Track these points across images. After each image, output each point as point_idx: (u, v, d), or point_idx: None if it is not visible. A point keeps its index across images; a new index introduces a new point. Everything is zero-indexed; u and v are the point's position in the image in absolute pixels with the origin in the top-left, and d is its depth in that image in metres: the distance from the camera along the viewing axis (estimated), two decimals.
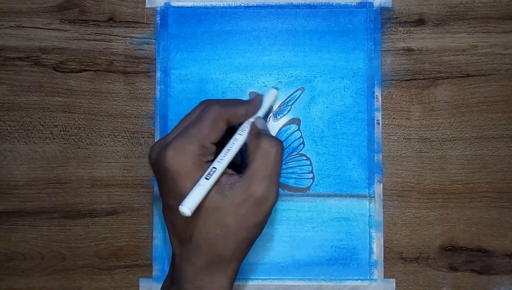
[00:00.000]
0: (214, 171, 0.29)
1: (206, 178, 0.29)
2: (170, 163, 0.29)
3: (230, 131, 0.32)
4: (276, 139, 0.31)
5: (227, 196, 0.29)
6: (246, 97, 0.38)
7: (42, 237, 0.38)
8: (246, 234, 0.30)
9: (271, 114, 0.39)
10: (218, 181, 0.29)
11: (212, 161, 0.30)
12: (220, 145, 0.31)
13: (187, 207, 0.27)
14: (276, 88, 0.36)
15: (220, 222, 0.29)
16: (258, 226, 0.30)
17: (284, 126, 0.38)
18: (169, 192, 0.30)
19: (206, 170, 0.29)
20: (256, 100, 0.33)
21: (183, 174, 0.29)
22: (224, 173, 0.30)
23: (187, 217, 0.28)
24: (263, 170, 0.30)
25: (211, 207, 0.29)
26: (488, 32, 0.38)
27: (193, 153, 0.29)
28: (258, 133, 0.31)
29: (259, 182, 0.29)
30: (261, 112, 0.33)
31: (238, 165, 0.35)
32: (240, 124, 0.32)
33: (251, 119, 0.32)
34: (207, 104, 0.31)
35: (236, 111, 0.31)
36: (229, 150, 0.31)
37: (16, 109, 0.39)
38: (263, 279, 0.38)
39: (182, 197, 0.28)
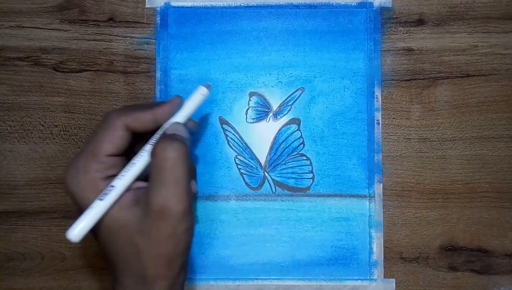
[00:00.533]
0: (110, 190, 0.27)
1: (100, 199, 0.26)
2: (67, 184, 0.27)
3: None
4: (172, 142, 0.27)
5: (131, 213, 0.27)
6: (245, 97, 0.38)
7: (42, 237, 0.38)
8: (159, 251, 0.27)
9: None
10: (122, 198, 0.27)
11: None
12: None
13: (72, 233, 0.25)
14: (207, 85, 0.32)
15: (129, 241, 0.27)
16: (171, 241, 0.27)
17: (284, 126, 0.38)
18: (78, 213, 0.28)
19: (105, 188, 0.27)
20: (171, 103, 0.30)
21: (79, 195, 0.27)
22: (131, 189, 0.28)
23: (100, 238, 0.27)
24: (158, 180, 0.27)
25: (116, 227, 0.27)
26: (488, 32, 0.38)
27: (87, 170, 0.27)
28: (160, 140, 0.28)
29: (154, 193, 0.27)
30: (181, 117, 0.30)
31: None
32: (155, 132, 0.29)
33: (166, 126, 0.29)
34: (106, 113, 0.29)
35: (139, 116, 0.28)
36: (134, 164, 0.28)
37: (16, 109, 0.39)
38: (263, 279, 0.38)
39: None
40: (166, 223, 0.27)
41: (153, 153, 0.27)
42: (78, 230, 0.26)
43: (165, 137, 0.28)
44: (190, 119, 0.32)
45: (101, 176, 0.27)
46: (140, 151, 0.28)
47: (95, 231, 0.28)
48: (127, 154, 0.30)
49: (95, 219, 0.26)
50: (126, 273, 0.28)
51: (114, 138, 0.28)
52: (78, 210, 0.28)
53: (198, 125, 0.35)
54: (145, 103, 0.31)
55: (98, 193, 0.27)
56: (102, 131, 0.28)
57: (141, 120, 0.29)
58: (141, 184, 0.29)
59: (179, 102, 0.30)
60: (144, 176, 0.29)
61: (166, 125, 0.29)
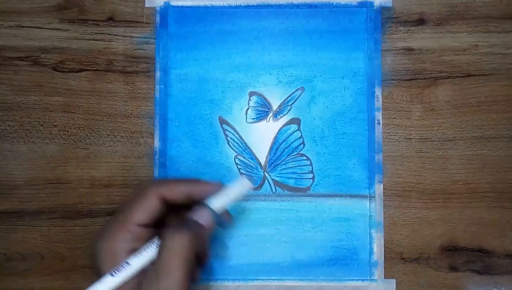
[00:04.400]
0: (124, 268, 0.26)
1: (111, 274, 0.26)
2: (92, 246, 0.27)
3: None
4: (180, 232, 0.27)
5: None
6: (245, 97, 0.38)
7: (42, 238, 0.38)
8: None
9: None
10: (137, 277, 0.27)
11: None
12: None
13: None
14: (249, 179, 0.32)
15: None
16: None
17: (284, 126, 0.38)
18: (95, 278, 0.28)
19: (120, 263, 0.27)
20: (210, 185, 0.30)
21: (98, 261, 0.27)
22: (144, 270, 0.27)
23: None
24: (160, 268, 0.27)
25: None
26: (488, 31, 0.38)
27: (114, 238, 0.27)
28: (171, 226, 0.28)
29: (154, 282, 0.26)
30: (217, 203, 0.30)
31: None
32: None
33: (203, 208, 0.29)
34: (144, 183, 0.30)
35: (173, 186, 0.29)
36: (153, 242, 0.28)
37: (15, 109, 0.39)
38: (263, 279, 0.38)
39: None
40: None
41: (162, 238, 0.27)
42: None
43: (178, 225, 0.28)
44: (226, 211, 0.32)
45: (127, 247, 0.27)
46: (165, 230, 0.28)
47: None
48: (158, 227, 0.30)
49: None
50: None
51: (147, 206, 0.28)
52: (95, 275, 0.28)
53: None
54: (187, 178, 0.31)
55: (117, 264, 0.27)
56: (136, 199, 0.28)
57: (174, 190, 0.29)
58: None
59: (218, 188, 0.30)
60: None
61: (206, 202, 0.30)
